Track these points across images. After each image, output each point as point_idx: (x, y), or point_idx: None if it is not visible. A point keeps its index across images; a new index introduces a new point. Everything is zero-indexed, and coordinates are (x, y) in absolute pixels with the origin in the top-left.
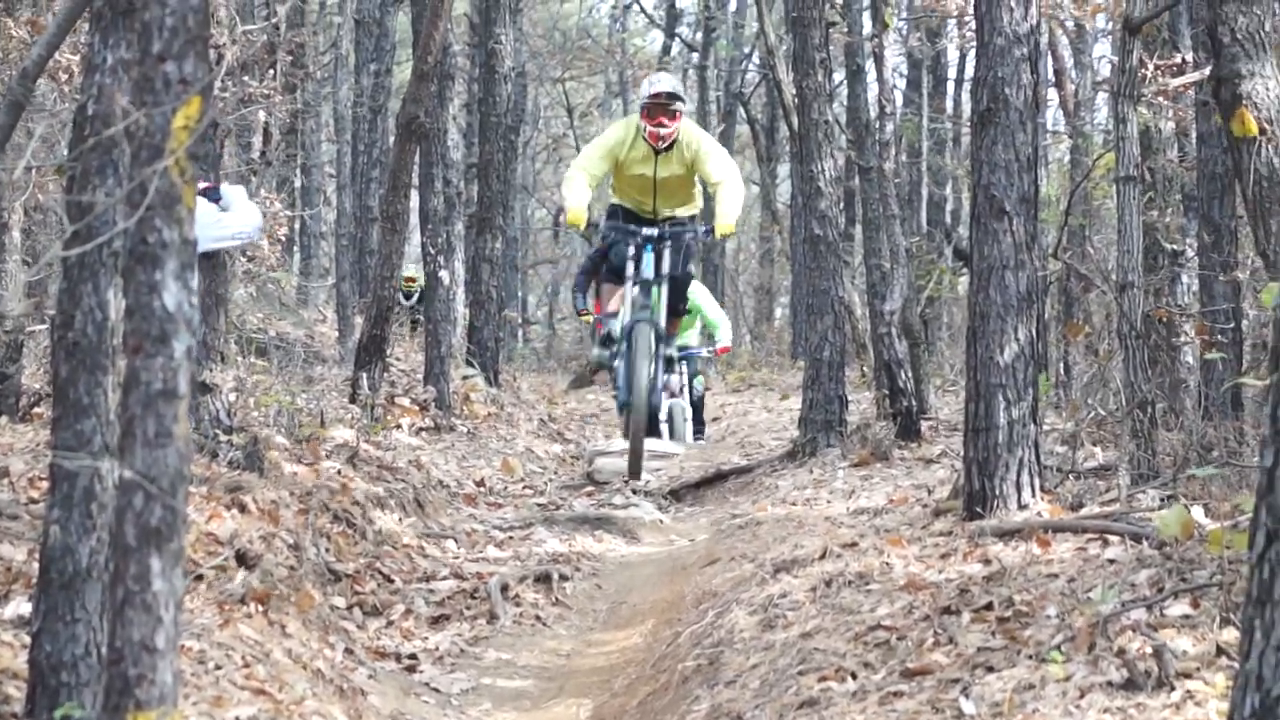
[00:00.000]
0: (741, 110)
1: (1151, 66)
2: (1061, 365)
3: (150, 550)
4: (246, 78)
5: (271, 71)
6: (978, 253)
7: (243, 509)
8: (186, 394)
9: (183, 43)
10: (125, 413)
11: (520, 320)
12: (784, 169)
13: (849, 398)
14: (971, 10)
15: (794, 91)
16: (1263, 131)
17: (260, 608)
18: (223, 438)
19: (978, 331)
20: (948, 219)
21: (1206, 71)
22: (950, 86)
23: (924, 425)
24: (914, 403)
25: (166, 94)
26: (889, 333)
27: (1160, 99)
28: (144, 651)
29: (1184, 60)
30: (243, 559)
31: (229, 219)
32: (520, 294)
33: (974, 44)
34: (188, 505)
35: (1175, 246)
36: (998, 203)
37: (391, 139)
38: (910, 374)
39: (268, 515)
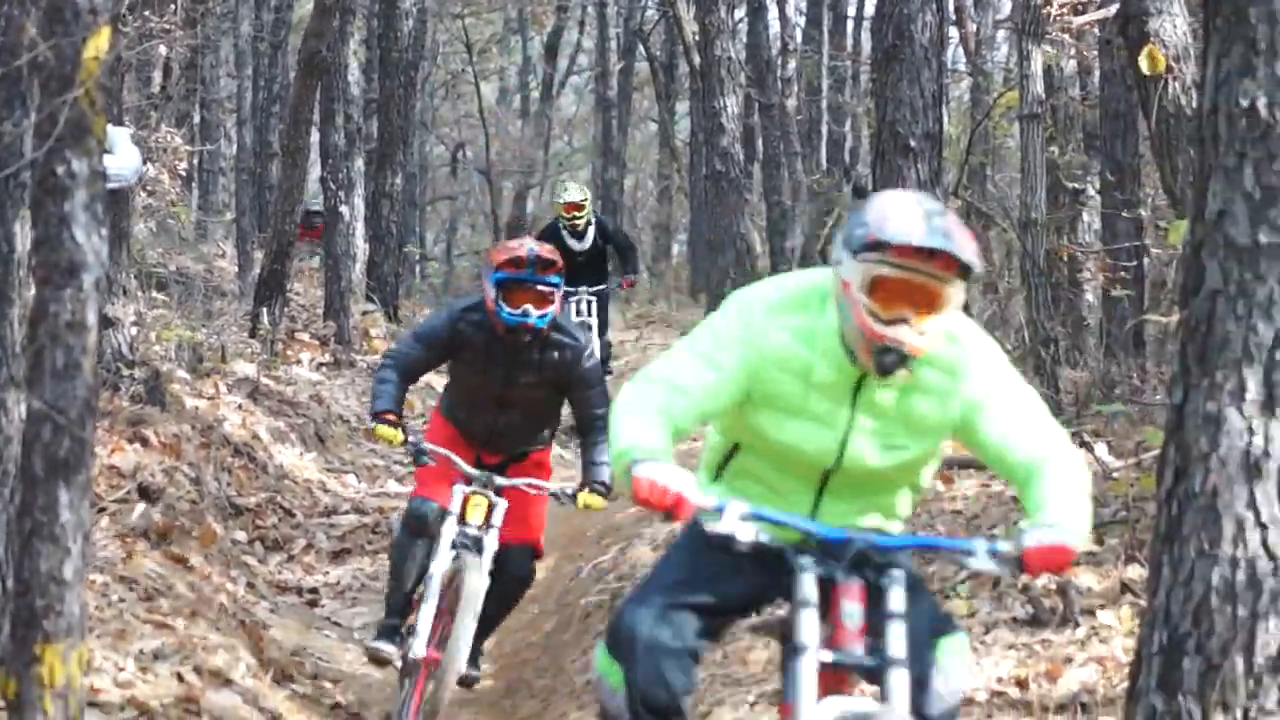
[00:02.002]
0: (641, 48)
1: (1055, 4)
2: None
3: (58, 482)
4: (147, 12)
5: (172, 6)
6: (882, 189)
7: (144, 443)
8: (95, 326)
9: None
10: (34, 344)
11: (418, 256)
12: (683, 106)
13: None
14: None
15: (695, 28)
16: (1169, 69)
17: (163, 541)
18: (124, 371)
19: None
20: (847, 157)
21: (1112, 9)
22: (850, 24)
23: None
24: None
25: (76, 24)
26: (790, 268)
27: (1064, 36)
28: (52, 583)
29: None
30: (145, 493)
31: (110, 160)
32: (418, 230)
33: None
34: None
35: (1077, 185)
36: (902, 140)
37: (292, 75)
38: None
39: (169, 449)
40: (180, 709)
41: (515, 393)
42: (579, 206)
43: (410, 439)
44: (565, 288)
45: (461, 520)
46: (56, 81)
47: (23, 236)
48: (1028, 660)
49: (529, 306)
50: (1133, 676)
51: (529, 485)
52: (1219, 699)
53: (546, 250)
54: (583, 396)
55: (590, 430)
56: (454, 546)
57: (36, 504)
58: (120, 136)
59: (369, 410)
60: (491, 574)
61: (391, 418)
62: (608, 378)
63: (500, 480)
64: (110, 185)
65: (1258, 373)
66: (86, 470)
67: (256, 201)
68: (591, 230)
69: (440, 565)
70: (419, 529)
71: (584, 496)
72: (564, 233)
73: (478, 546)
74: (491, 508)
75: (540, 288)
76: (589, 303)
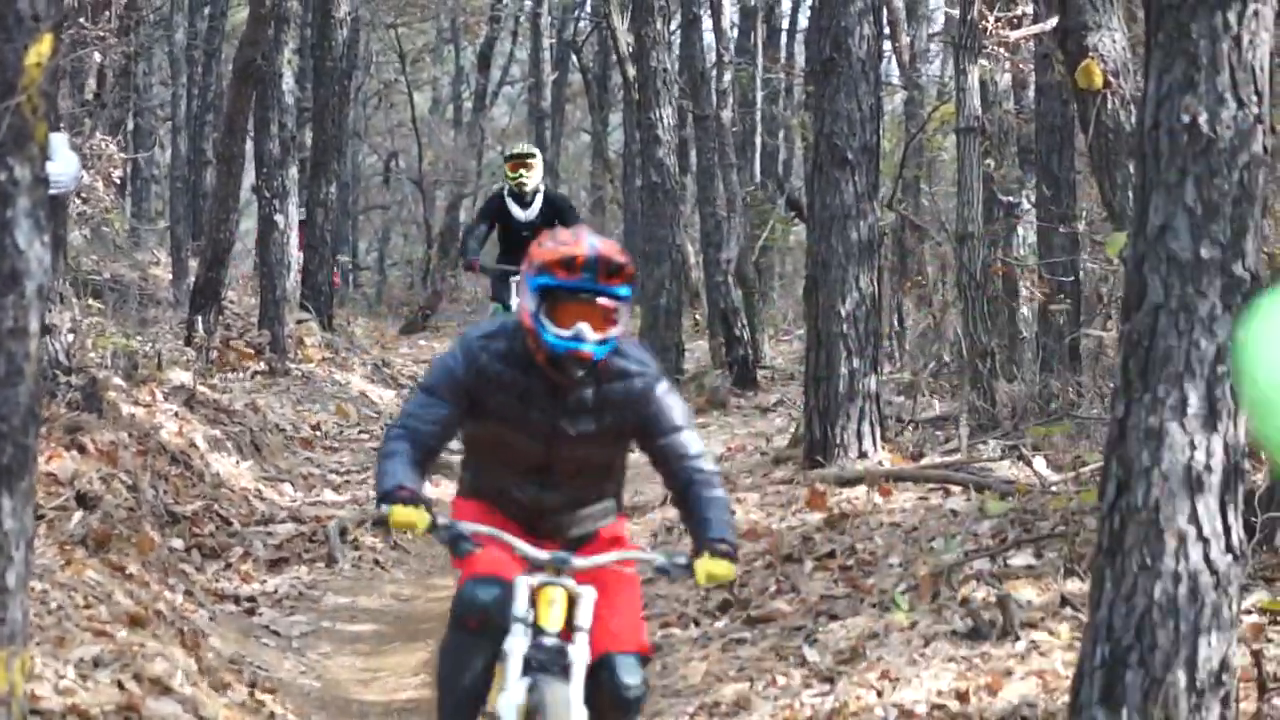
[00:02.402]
0: (574, 58)
1: (992, 19)
2: (895, 317)
3: (1, 489)
4: (82, 19)
5: (107, 13)
6: (819, 202)
7: (82, 450)
8: (37, 333)
9: None
10: None
11: (351, 265)
12: (616, 118)
13: (685, 346)
14: None
15: (630, 40)
16: (1108, 84)
17: (101, 549)
18: (61, 379)
19: (819, 280)
20: (781, 169)
21: (1049, 24)
22: (783, 37)
23: (760, 374)
24: (750, 351)
25: (18, 30)
26: (725, 281)
27: (1000, 50)
28: None
29: (1023, 13)
30: (83, 500)
31: (49, 167)
32: (351, 239)
33: None
34: None
35: (1011, 199)
36: (840, 152)
37: (226, 83)
38: (746, 323)
39: (106, 456)
40: (121, 716)
41: (565, 450)
42: (524, 163)
43: (440, 521)
44: (509, 268)
45: (534, 628)
46: None
47: None
48: (967, 673)
49: (584, 327)
50: (1074, 690)
51: (620, 561)
52: (1162, 713)
53: (613, 249)
54: (668, 444)
55: (690, 484)
56: (528, 668)
57: None
58: (58, 143)
59: (377, 492)
60: (587, 700)
61: (407, 493)
62: None
63: (579, 561)
64: (50, 191)
65: (1199, 387)
66: (29, 477)
67: (191, 209)
68: (539, 199)
69: (512, 698)
70: (481, 622)
71: (704, 564)
72: (509, 199)
73: (561, 663)
74: (573, 603)
75: (603, 301)
76: None
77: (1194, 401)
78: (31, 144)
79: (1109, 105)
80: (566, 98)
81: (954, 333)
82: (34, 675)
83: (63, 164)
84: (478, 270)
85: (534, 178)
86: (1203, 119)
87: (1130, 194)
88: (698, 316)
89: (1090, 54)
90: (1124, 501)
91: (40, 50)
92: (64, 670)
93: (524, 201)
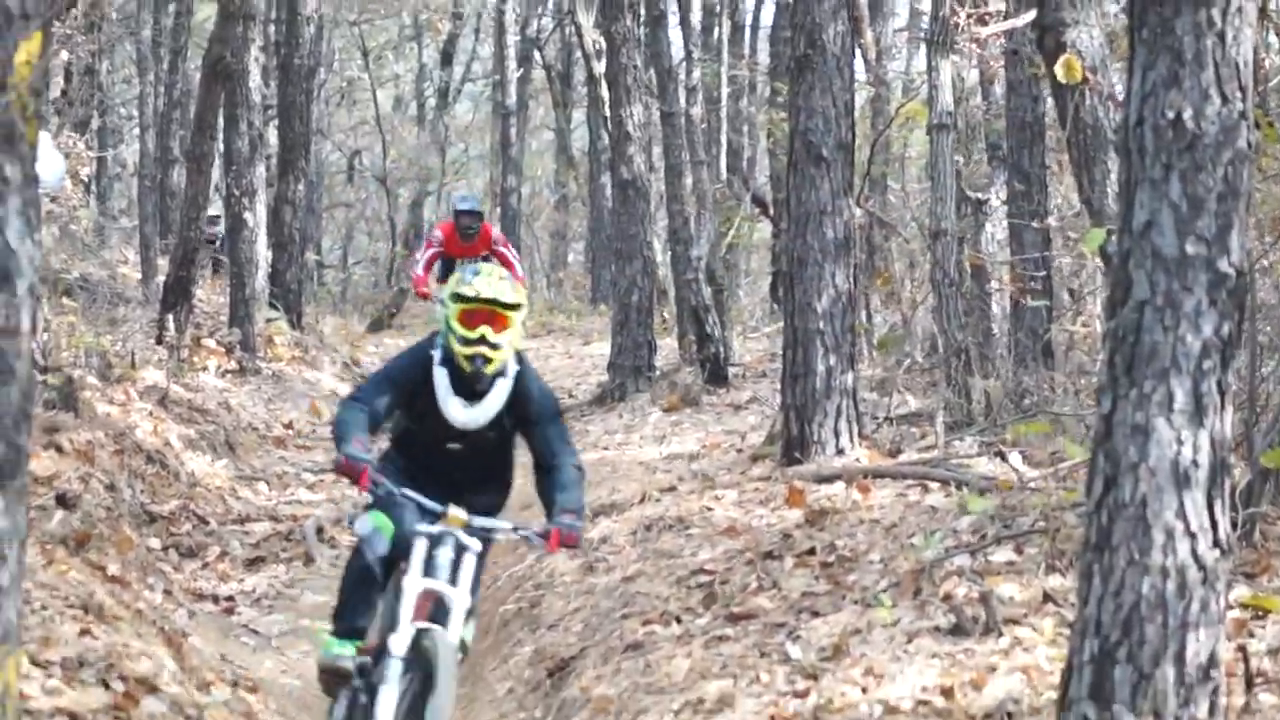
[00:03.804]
0: (538, 55)
1: (964, 15)
2: (865, 314)
3: None
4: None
5: (72, 11)
6: (795, 198)
7: (59, 449)
8: (29, 331)
9: None
10: None
11: (315, 263)
12: (579, 115)
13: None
14: None
15: (596, 37)
16: (1085, 80)
17: (81, 549)
18: (38, 378)
19: (795, 277)
20: (745, 166)
21: (1020, 20)
22: (747, 34)
23: (731, 371)
24: (721, 349)
25: (9, 28)
26: (695, 279)
27: (971, 47)
28: None
29: (994, 9)
30: (62, 500)
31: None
32: (315, 237)
33: None
34: None
35: (980, 195)
36: (815, 149)
37: (193, 81)
38: (717, 320)
39: (84, 456)
40: (109, 716)
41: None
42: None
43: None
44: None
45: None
46: None
47: None
48: (951, 669)
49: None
50: (1063, 686)
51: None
52: (1151, 708)
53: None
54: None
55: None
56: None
57: None
58: (44, 143)
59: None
60: None
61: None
62: None
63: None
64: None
65: (1185, 383)
66: (22, 476)
67: (159, 208)
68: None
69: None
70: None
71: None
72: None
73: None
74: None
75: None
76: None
77: (1180, 397)
78: (22, 143)
79: (1087, 101)
80: (530, 95)
81: (923, 330)
82: (21, 675)
83: (48, 163)
84: None
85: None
86: (1187, 115)
87: (1108, 189)
88: (665, 314)
89: (1067, 50)
90: (1111, 497)
91: (30, 48)
92: (50, 670)
93: None
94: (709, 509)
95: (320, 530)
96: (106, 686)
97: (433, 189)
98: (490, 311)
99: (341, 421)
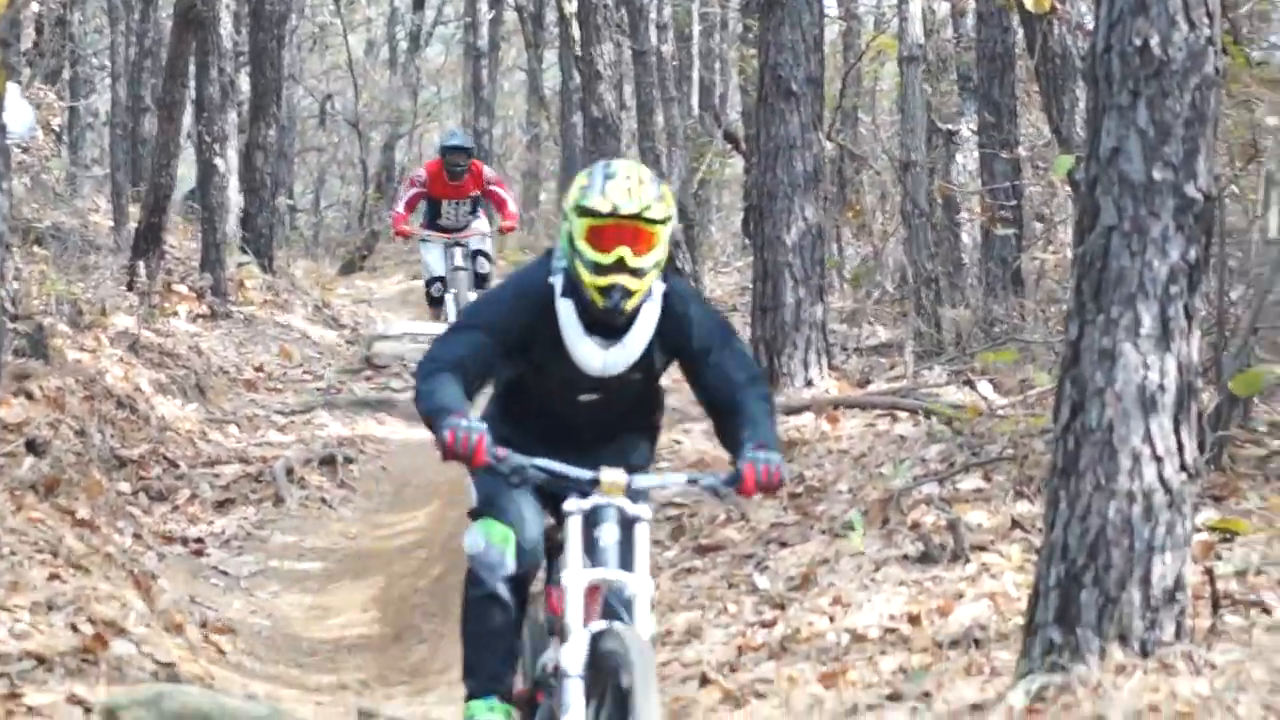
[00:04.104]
0: None
1: None
2: (835, 246)
3: None
4: None
5: None
6: (764, 133)
7: (29, 396)
8: (1, 277)
9: None
10: None
11: (288, 207)
12: (551, 55)
13: None
14: None
15: None
16: (1053, 10)
17: (50, 494)
18: (8, 326)
19: (765, 211)
20: (717, 103)
21: None
22: None
23: None
24: (693, 283)
25: None
26: None
27: None
28: None
29: None
30: (32, 446)
31: (3, 119)
32: (287, 181)
33: None
34: None
35: (951, 126)
36: (784, 83)
37: (164, 30)
38: (688, 255)
39: (54, 402)
40: (77, 659)
41: None
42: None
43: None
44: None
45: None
46: None
47: None
48: (919, 597)
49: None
50: (1030, 611)
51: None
52: (1117, 631)
53: None
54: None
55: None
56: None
57: None
58: (11, 94)
59: None
60: None
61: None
62: None
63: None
64: (7, 141)
65: (1152, 308)
66: None
67: (130, 156)
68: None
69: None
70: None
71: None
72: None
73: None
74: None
75: None
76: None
77: (1147, 322)
78: None
79: (1056, 30)
80: (501, 36)
81: (894, 261)
82: None
83: (16, 114)
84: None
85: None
86: (1154, 41)
87: (1077, 118)
88: None
89: None
90: (1078, 422)
91: None
92: (19, 615)
93: None
94: (678, 441)
95: (290, 471)
96: (75, 629)
97: (404, 131)
98: (633, 229)
99: (428, 395)
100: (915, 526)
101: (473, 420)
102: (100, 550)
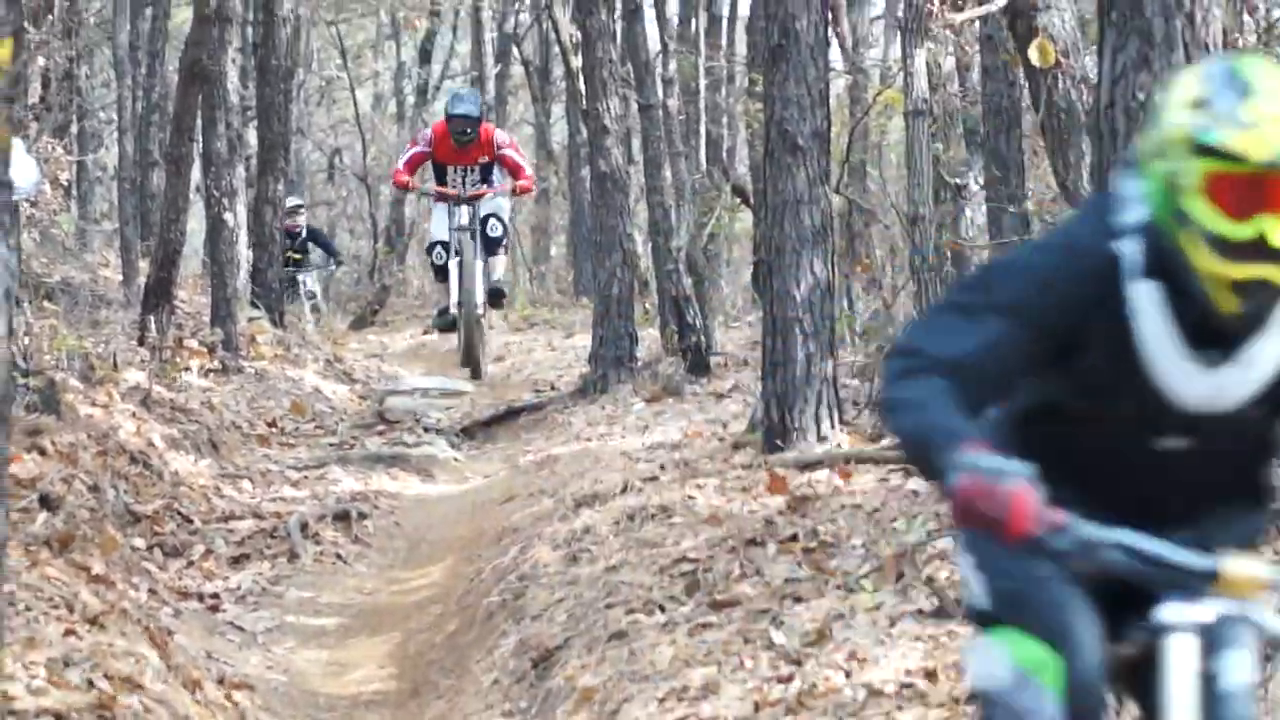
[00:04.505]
0: (515, 51)
1: (938, 1)
2: (846, 301)
3: None
4: (26, 24)
5: (49, 17)
6: (771, 188)
7: (42, 452)
8: (6, 335)
9: None
10: None
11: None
12: (558, 109)
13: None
14: None
15: (573, 31)
16: (1058, 63)
17: (65, 550)
18: (20, 381)
19: (773, 266)
20: (725, 156)
21: (994, 5)
22: (724, 25)
23: (713, 360)
24: (703, 338)
25: None
26: (676, 269)
27: (947, 32)
28: None
29: None
30: (45, 501)
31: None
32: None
33: None
34: None
35: (958, 180)
36: (791, 138)
37: (171, 84)
38: (698, 310)
39: (66, 457)
40: (94, 715)
41: None
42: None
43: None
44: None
45: None
46: None
47: None
48: (935, 652)
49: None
50: None
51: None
52: None
53: None
54: None
55: None
56: None
57: None
58: (16, 149)
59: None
60: None
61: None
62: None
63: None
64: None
65: None
66: (2, 480)
67: (139, 211)
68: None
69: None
70: None
71: None
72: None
73: None
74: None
75: None
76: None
77: None
78: None
79: (1061, 85)
80: (509, 90)
81: (905, 315)
82: (6, 676)
83: (21, 170)
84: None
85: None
86: (1158, 96)
87: (1083, 172)
88: (647, 305)
89: (1040, 34)
90: None
91: (2, 55)
92: (35, 670)
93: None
94: (691, 498)
95: (305, 526)
96: (91, 685)
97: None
98: None
99: (911, 408)
100: (930, 581)
101: (1007, 461)
102: (116, 606)
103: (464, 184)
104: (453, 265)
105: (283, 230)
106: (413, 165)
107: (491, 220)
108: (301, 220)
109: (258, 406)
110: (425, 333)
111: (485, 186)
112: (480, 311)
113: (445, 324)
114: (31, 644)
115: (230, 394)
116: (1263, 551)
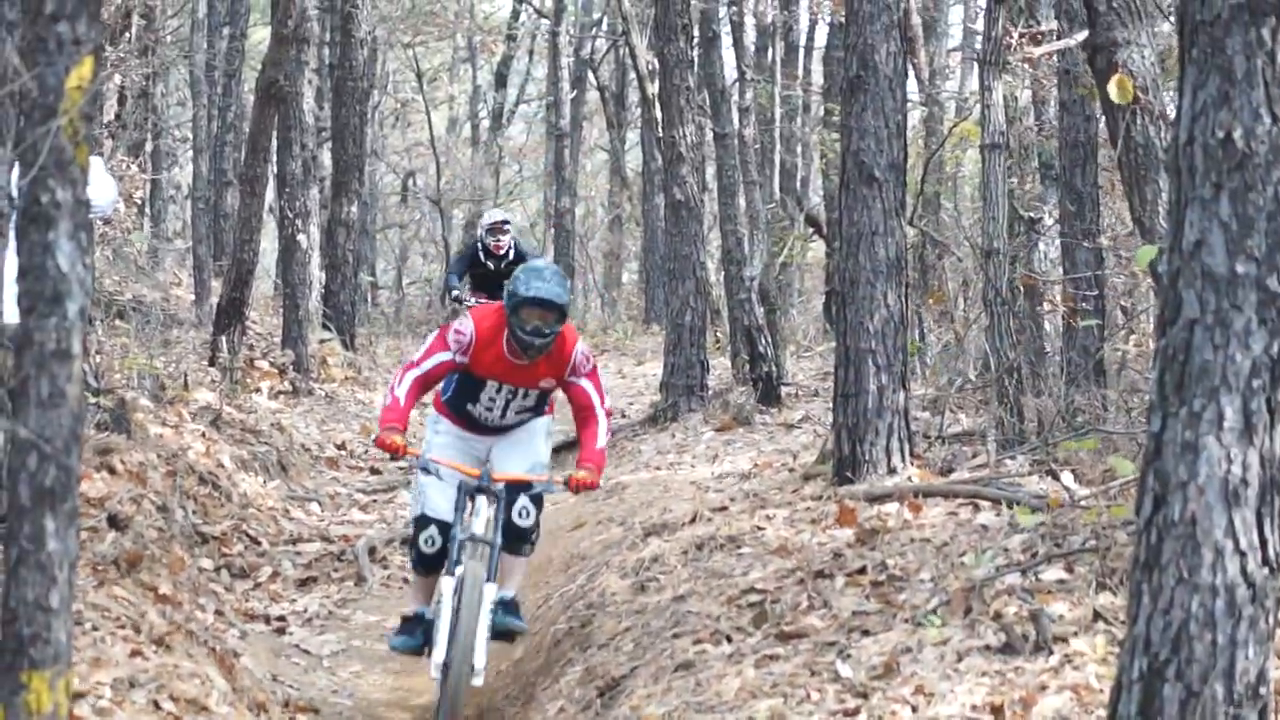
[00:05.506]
0: (591, 76)
1: (1016, 35)
2: (918, 333)
3: (45, 511)
4: (103, 43)
5: (127, 35)
6: (847, 219)
7: (112, 471)
8: (79, 354)
9: (76, 2)
10: (19, 373)
11: (370, 283)
12: (633, 135)
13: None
14: None
15: (650, 57)
16: (1137, 100)
17: (132, 569)
18: (90, 400)
19: (847, 297)
20: (799, 186)
21: (1072, 40)
22: (801, 54)
23: (784, 390)
24: (774, 368)
25: (60, 54)
26: (748, 298)
27: (1025, 66)
28: (39, 611)
29: (1046, 29)
30: (114, 521)
31: (88, 192)
32: (370, 258)
33: (824, 13)
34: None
35: (1033, 214)
36: (867, 169)
37: (247, 104)
38: (769, 339)
39: (136, 477)
40: None
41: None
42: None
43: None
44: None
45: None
46: (39, 111)
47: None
48: (1001, 687)
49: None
50: (1112, 704)
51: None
52: None
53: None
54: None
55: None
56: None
57: (23, 533)
58: (95, 167)
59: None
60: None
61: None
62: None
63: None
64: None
65: (1235, 400)
66: (73, 498)
67: (212, 230)
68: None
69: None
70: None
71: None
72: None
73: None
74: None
75: None
76: None
77: (1230, 415)
78: (73, 167)
79: (1139, 121)
80: (584, 115)
81: (976, 348)
82: (72, 696)
83: (101, 189)
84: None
85: (507, 241)
86: (1237, 134)
87: (1160, 209)
88: (719, 334)
89: (1119, 69)
90: (1161, 515)
91: (81, 73)
92: (101, 691)
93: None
94: (760, 528)
95: (372, 550)
96: (157, 707)
97: (486, 209)
98: None
99: None
100: (998, 616)
101: None
102: (182, 627)
103: (502, 413)
104: (447, 588)
105: (471, 248)
106: (423, 385)
107: (522, 504)
108: (506, 240)
109: (327, 429)
110: None
111: (525, 450)
112: (476, 678)
113: (409, 648)
114: (97, 664)
115: (300, 416)
116: None
